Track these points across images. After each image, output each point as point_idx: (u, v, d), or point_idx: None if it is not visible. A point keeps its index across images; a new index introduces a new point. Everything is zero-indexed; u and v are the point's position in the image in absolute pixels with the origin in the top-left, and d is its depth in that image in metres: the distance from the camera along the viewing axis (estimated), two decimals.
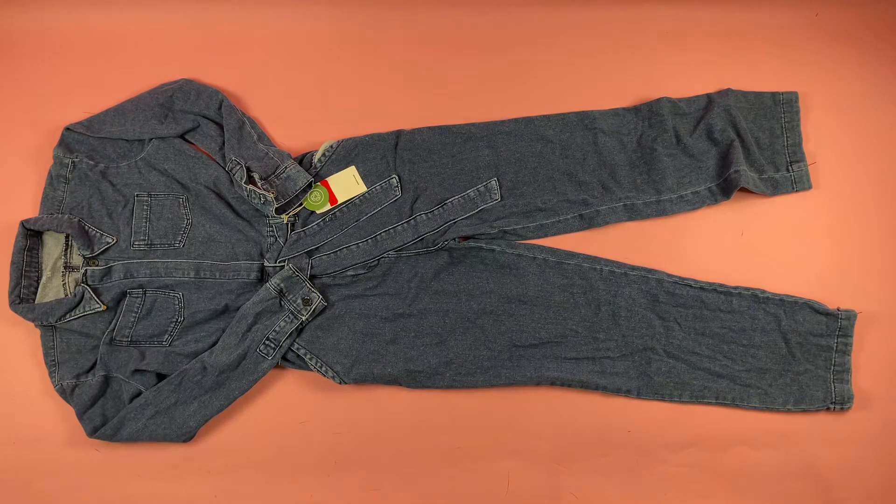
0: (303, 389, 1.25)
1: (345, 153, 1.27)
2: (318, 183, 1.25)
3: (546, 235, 1.28)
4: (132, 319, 1.19)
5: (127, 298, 1.19)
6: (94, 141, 1.25)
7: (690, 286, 1.24)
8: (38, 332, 1.20)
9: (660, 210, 1.27)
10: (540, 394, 1.25)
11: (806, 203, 1.30)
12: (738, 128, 1.27)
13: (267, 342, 1.19)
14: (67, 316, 1.17)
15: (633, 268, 1.25)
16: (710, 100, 1.30)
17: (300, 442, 1.24)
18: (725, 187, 1.26)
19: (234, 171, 1.20)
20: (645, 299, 1.24)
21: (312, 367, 1.21)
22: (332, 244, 1.24)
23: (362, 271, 1.24)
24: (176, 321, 1.20)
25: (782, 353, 1.23)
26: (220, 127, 1.26)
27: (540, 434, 1.24)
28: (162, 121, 1.25)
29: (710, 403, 1.23)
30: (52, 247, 1.22)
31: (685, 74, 1.34)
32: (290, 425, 1.24)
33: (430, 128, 1.29)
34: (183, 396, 1.18)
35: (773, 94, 1.31)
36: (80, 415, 1.16)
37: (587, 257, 1.26)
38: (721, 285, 1.24)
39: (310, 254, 1.24)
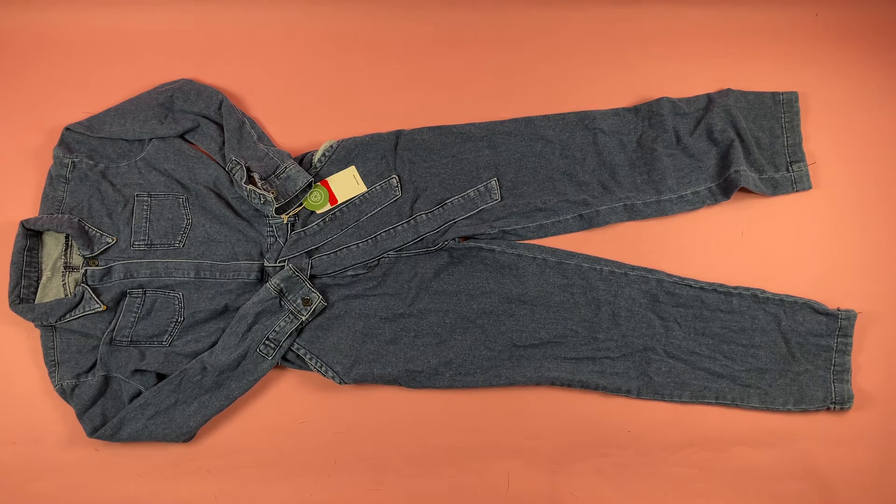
0: (303, 389, 1.25)
1: (345, 153, 1.27)
2: (318, 183, 1.25)
3: (546, 235, 1.28)
4: (132, 319, 1.19)
5: (127, 298, 1.19)
6: (94, 141, 1.25)
7: (690, 286, 1.24)
8: (38, 332, 1.20)
9: (660, 210, 1.27)
10: (540, 394, 1.25)
11: (806, 203, 1.30)
12: (738, 128, 1.27)
13: (267, 342, 1.19)
14: (67, 316, 1.17)
15: (633, 268, 1.25)
16: (710, 100, 1.30)
17: (300, 442, 1.24)
18: (725, 187, 1.26)
19: (234, 171, 1.20)
20: (645, 299, 1.24)
21: (312, 367, 1.21)
22: (332, 244, 1.24)
23: (362, 271, 1.24)
24: (176, 321, 1.20)
25: (782, 353, 1.23)
26: (220, 127, 1.26)
27: (540, 434, 1.24)
28: (162, 121, 1.25)
29: (710, 403, 1.23)
30: (52, 247, 1.22)
31: (685, 74, 1.34)
32: (290, 425, 1.24)
33: (430, 128, 1.29)
34: (183, 396, 1.18)
35: (773, 94, 1.31)
36: (80, 415, 1.16)
37: (587, 257, 1.26)
38: (721, 285, 1.24)
39: (310, 254, 1.24)
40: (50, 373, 1.18)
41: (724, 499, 1.22)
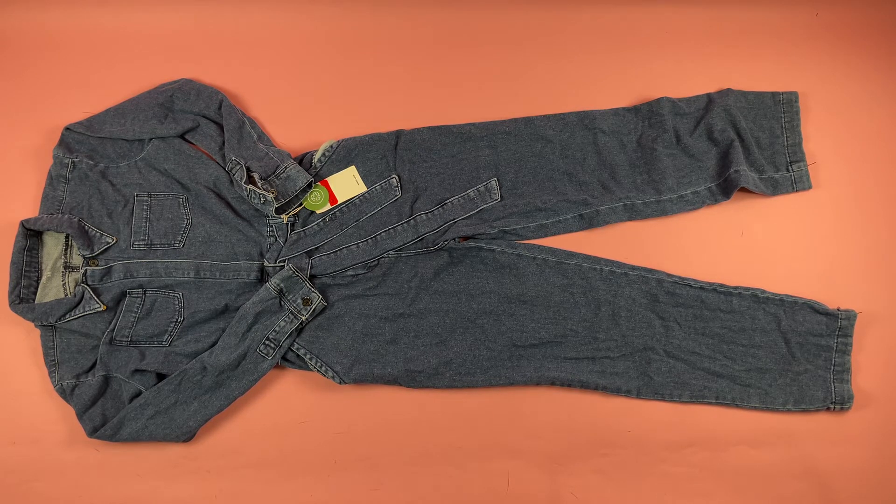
0: (303, 389, 1.25)
1: (345, 153, 1.27)
2: (318, 183, 1.25)
3: (546, 235, 1.28)
4: (132, 319, 1.19)
5: (127, 298, 1.19)
6: (94, 141, 1.25)
7: (690, 286, 1.24)
8: (38, 332, 1.20)
9: (660, 210, 1.27)
10: (540, 394, 1.25)
11: (806, 203, 1.30)
12: (738, 128, 1.27)
13: (267, 342, 1.19)
14: (67, 316, 1.17)
15: (633, 268, 1.25)
16: (710, 100, 1.30)
17: (300, 442, 1.24)
18: (725, 187, 1.26)
19: (234, 171, 1.20)
20: (645, 299, 1.24)
21: (312, 367, 1.21)
22: (332, 244, 1.24)
23: (362, 271, 1.24)
24: (176, 321, 1.20)
25: (782, 353, 1.23)
26: (220, 127, 1.26)
27: (540, 434, 1.24)
28: (162, 121, 1.25)
29: (710, 403, 1.23)
30: (52, 247, 1.22)
31: (685, 74, 1.34)
32: (290, 425, 1.24)
33: (430, 128, 1.29)
34: (183, 396, 1.18)
35: (773, 94, 1.31)
36: (80, 415, 1.16)
37: (587, 257, 1.26)
38: (721, 285, 1.24)
39: (310, 254, 1.24)
40: (50, 373, 1.18)
41: (724, 499, 1.22)
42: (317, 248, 1.24)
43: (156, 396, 1.17)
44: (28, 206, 1.28)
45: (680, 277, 1.25)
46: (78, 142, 1.25)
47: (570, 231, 1.28)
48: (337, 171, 1.26)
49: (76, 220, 1.20)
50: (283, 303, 1.19)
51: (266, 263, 1.22)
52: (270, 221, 1.24)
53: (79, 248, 1.19)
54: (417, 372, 1.20)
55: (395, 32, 1.37)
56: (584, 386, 1.22)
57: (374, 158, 1.27)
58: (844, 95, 1.33)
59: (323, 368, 1.20)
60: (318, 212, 1.25)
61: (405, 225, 1.24)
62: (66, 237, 1.22)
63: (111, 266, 1.20)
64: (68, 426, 1.22)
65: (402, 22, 1.37)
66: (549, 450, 1.24)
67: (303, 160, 1.27)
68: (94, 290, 1.18)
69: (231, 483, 1.23)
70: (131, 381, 1.18)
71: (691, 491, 1.22)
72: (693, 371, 1.23)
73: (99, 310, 1.17)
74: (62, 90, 1.33)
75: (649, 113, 1.29)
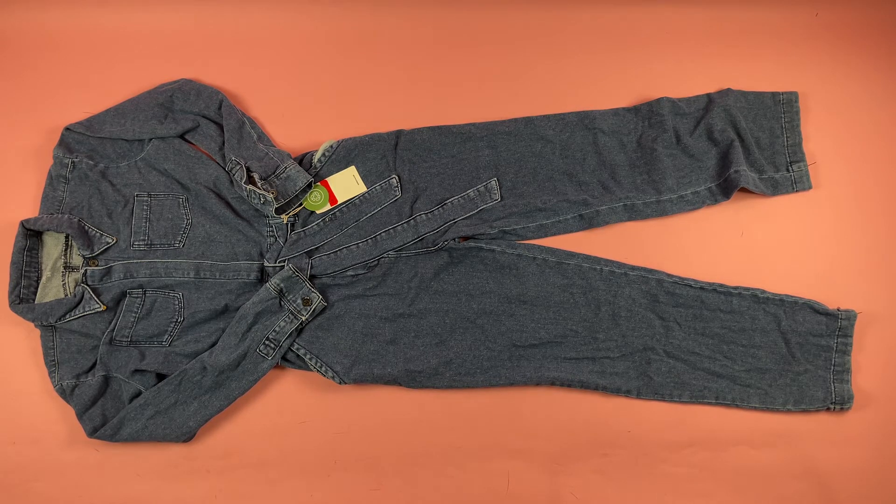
0: (303, 389, 1.25)
1: (345, 153, 1.27)
2: (318, 183, 1.25)
3: (546, 235, 1.28)
4: (132, 319, 1.19)
5: (127, 298, 1.19)
6: (94, 141, 1.25)
7: (690, 286, 1.24)
8: (38, 332, 1.20)
9: (660, 210, 1.27)
10: (540, 394, 1.25)
11: (806, 203, 1.30)
12: (738, 128, 1.27)
13: (267, 342, 1.19)
14: (67, 316, 1.17)
15: (633, 268, 1.25)
16: (710, 100, 1.30)
17: (300, 442, 1.24)
18: (725, 187, 1.26)
19: (234, 171, 1.20)
20: (645, 299, 1.24)
21: (312, 367, 1.21)
22: (332, 244, 1.24)
23: (362, 271, 1.24)
24: (176, 321, 1.20)
25: (782, 353, 1.23)
26: (220, 127, 1.26)
27: (540, 434, 1.24)
28: (162, 121, 1.25)
29: (710, 403, 1.23)
30: (52, 247, 1.22)
31: (685, 74, 1.34)
32: (290, 425, 1.24)
33: (430, 128, 1.29)
34: (183, 396, 1.18)
35: (773, 94, 1.31)
36: (80, 415, 1.16)
37: (587, 257, 1.26)
38: (721, 285, 1.24)
39: (310, 254, 1.24)
40: (50, 373, 1.18)
41: (724, 499, 1.22)
42: (317, 248, 1.24)
43: (156, 396, 1.17)
44: (28, 206, 1.28)
45: (680, 277, 1.25)
46: (78, 142, 1.25)
47: (570, 231, 1.28)
48: (337, 171, 1.26)
49: (76, 220, 1.20)
50: (283, 303, 1.19)
51: (266, 263, 1.22)
52: (270, 221, 1.24)
53: (79, 248, 1.19)
54: (417, 372, 1.20)
55: (395, 32, 1.37)
56: (584, 386, 1.22)
57: (374, 158, 1.27)
58: (844, 95, 1.33)
59: (323, 368, 1.20)
60: (318, 212, 1.25)
61: (405, 225, 1.24)
62: (66, 237, 1.22)
63: (111, 266, 1.20)
64: (68, 426, 1.23)
65: (402, 22, 1.37)
66: (549, 450, 1.24)
67: (303, 160, 1.27)
68: (94, 290, 1.18)
69: (231, 483, 1.23)
70: (131, 382, 1.18)
71: (691, 491, 1.22)
72: (693, 371, 1.23)
73: (99, 310, 1.17)
74: (62, 90, 1.33)
75: (649, 113, 1.29)
